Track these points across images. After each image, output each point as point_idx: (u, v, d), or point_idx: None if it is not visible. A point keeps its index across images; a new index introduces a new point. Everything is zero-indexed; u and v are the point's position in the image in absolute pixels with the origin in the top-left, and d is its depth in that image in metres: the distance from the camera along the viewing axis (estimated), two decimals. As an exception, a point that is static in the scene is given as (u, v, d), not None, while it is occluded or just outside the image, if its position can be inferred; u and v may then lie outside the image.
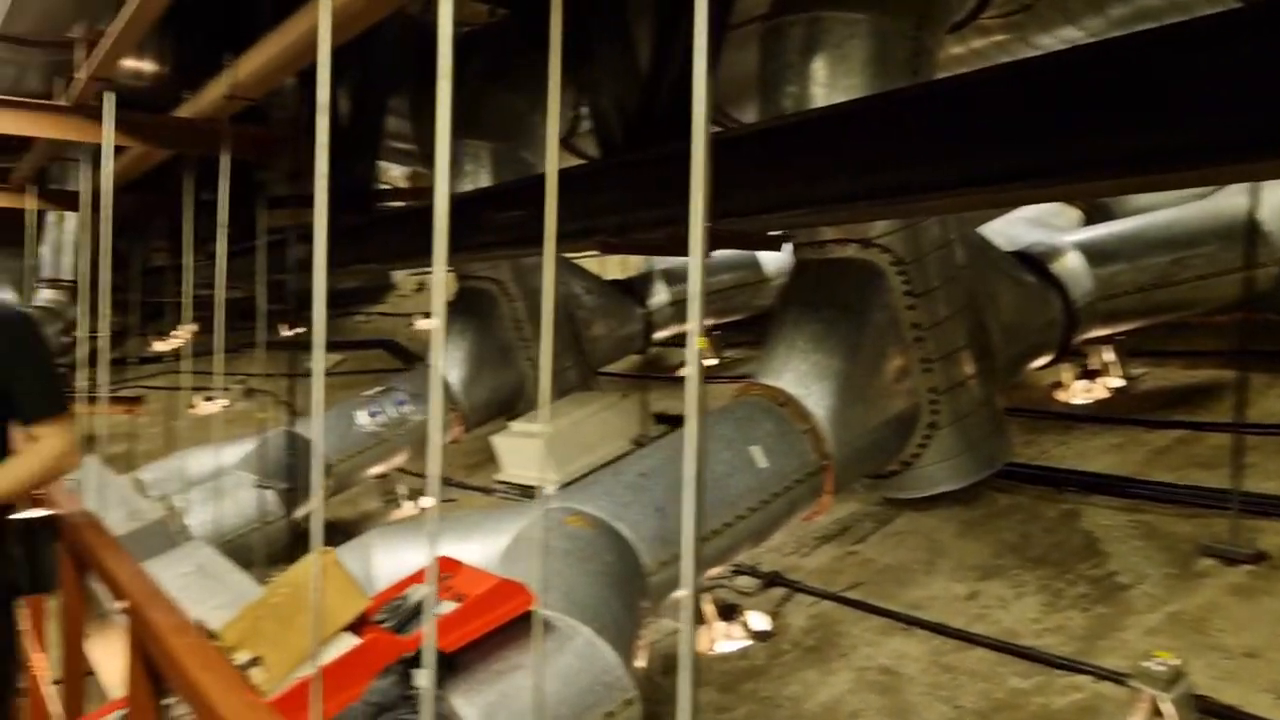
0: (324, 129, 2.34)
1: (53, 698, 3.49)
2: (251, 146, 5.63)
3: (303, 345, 8.49)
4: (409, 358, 10.90)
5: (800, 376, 4.86)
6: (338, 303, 12.52)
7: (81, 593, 3.38)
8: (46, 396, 2.24)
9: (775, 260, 8.59)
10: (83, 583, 3.35)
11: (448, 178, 1.98)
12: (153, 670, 2.24)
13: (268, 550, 6.24)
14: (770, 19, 4.90)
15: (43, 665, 3.76)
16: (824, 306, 5.01)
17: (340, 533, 8.08)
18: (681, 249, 5.03)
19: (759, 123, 4.97)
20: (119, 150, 5.48)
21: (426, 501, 7.96)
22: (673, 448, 4.78)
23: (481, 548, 4.35)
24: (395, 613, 3.44)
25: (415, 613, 3.40)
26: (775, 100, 4.87)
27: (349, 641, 3.20)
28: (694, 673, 2.24)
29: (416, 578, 3.65)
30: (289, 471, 6.36)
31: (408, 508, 7.86)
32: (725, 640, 4.80)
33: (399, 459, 7.89)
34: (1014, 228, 6.33)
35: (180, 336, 11.64)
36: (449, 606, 3.41)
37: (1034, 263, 5.91)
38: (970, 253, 5.27)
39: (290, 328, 9.66)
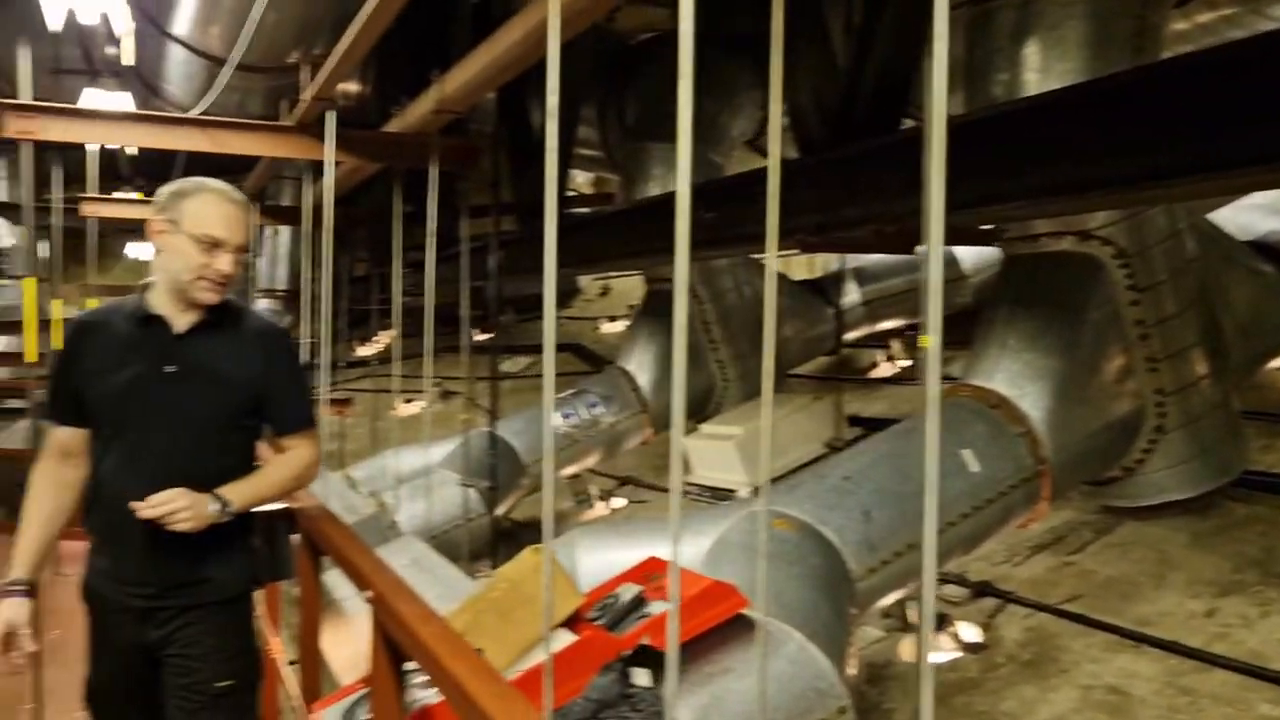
0: (553, 133, 2.38)
1: (289, 678, 3.71)
2: (457, 158, 5.84)
3: (502, 348, 8.80)
4: (595, 360, 11.11)
5: (1013, 377, 4.64)
6: (526, 307, 12.88)
7: (317, 581, 3.59)
8: (299, 410, 2.32)
9: (972, 256, 8.26)
10: (317, 572, 3.56)
11: (689, 178, 1.95)
12: (396, 655, 2.34)
13: (471, 546, 6.47)
14: (978, 3, 4.70)
15: (279, 647, 4.01)
16: (1038, 303, 4.76)
17: (535, 531, 8.31)
18: (887, 245, 4.93)
19: (968, 113, 4.77)
20: (326, 166, 5.78)
21: (617, 502, 8.09)
22: (877, 450, 4.66)
23: (685, 549, 4.35)
24: (608, 610, 3.47)
25: (628, 611, 3.43)
26: (983, 89, 4.67)
27: (566, 638, 3.26)
28: (931, 682, 2.14)
29: (627, 576, 3.68)
30: (490, 471, 6.58)
31: (599, 507, 8.00)
32: (934, 651, 4.63)
33: (591, 459, 8.04)
34: (1247, 215, 5.84)
35: (381, 341, 12.30)
36: (660, 606, 3.42)
37: (1274, 253, 5.43)
38: (1201, 243, 4.89)
39: (483, 332, 10.03)
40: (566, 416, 7.72)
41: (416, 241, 7.36)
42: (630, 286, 11.61)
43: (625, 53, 8.73)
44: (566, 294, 13.40)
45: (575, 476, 8.23)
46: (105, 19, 6.08)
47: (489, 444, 6.66)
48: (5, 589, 2.11)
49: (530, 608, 3.38)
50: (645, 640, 3.05)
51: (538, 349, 12.29)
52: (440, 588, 4.53)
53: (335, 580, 4.02)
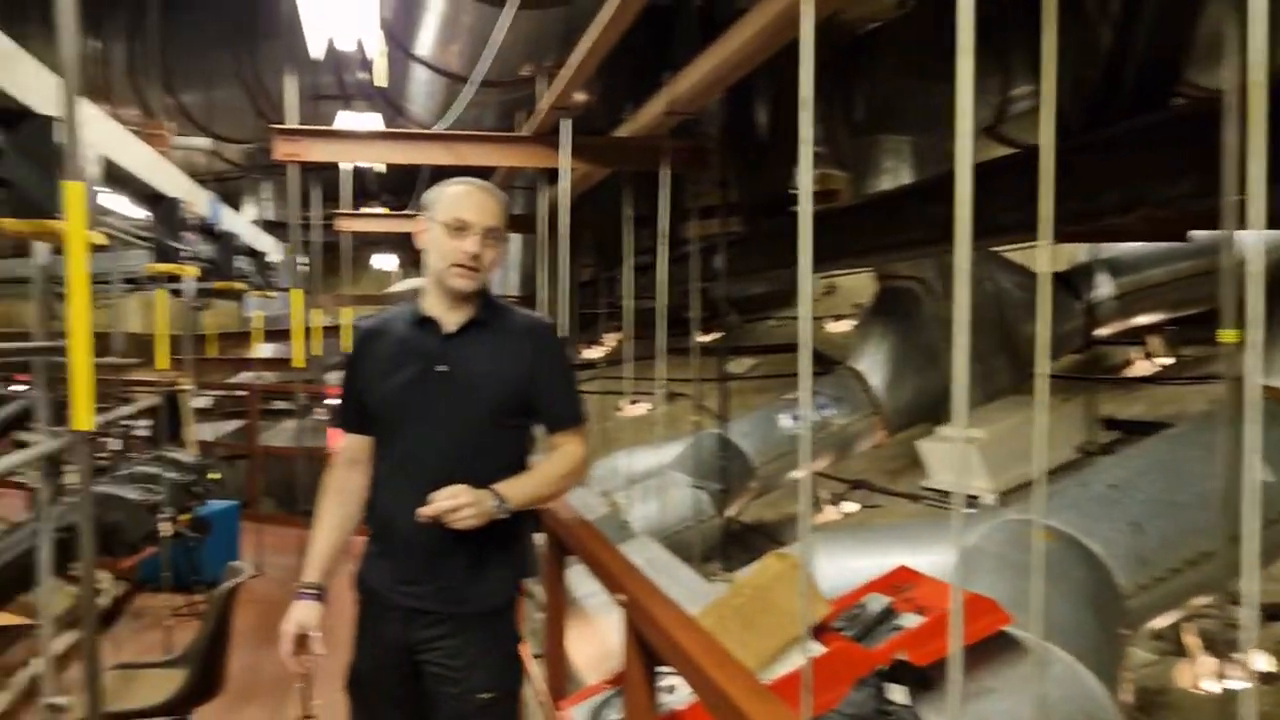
0: (807, 123, 2.28)
1: (536, 676, 3.80)
2: (686, 160, 5.84)
3: (729, 349, 8.77)
4: (822, 361, 10.91)
5: (1313, 375, 4.13)
6: (748, 308, 12.80)
7: (562, 579, 3.66)
8: (568, 406, 2.27)
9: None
10: (562, 570, 3.63)
11: (970, 160, 1.80)
12: (650, 659, 2.32)
13: (702, 547, 6.47)
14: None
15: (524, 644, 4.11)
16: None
17: (763, 535, 8.22)
18: (1157, 232, 4.51)
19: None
20: (557, 174, 5.91)
21: (849, 506, 7.87)
22: (1147, 457, 4.27)
23: (934, 558, 4.14)
24: (855, 621, 3.34)
25: (877, 623, 3.28)
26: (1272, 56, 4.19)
27: (814, 648, 3.16)
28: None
29: (874, 586, 3.54)
30: (721, 473, 6.55)
31: (830, 511, 7.83)
32: (1216, 679, 4.19)
33: (821, 462, 7.87)
34: None
35: (607, 344, 12.57)
36: (913, 619, 3.26)
37: None
38: None
39: (706, 333, 10.04)
40: (796, 419, 7.58)
41: (641, 245, 7.44)
42: (857, 285, 11.29)
43: (852, 45, 8.49)
44: (789, 293, 13.21)
45: (805, 479, 8.07)
46: (359, 45, 6.49)
47: (719, 446, 6.63)
48: (298, 591, 2.22)
49: (775, 615, 3.30)
50: (901, 655, 2.91)
51: (763, 350, 12.19)
52: (679, 590, 4.51)
53: (574, 578, 4.09)
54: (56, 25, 2.45)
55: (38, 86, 2.75)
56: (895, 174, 7.56)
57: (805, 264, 2.30)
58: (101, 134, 3.49)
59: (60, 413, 3.04)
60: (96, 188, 3.09)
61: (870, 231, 6.73)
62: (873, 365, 7.82)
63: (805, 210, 2.30)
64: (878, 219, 6.68)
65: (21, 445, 4.36)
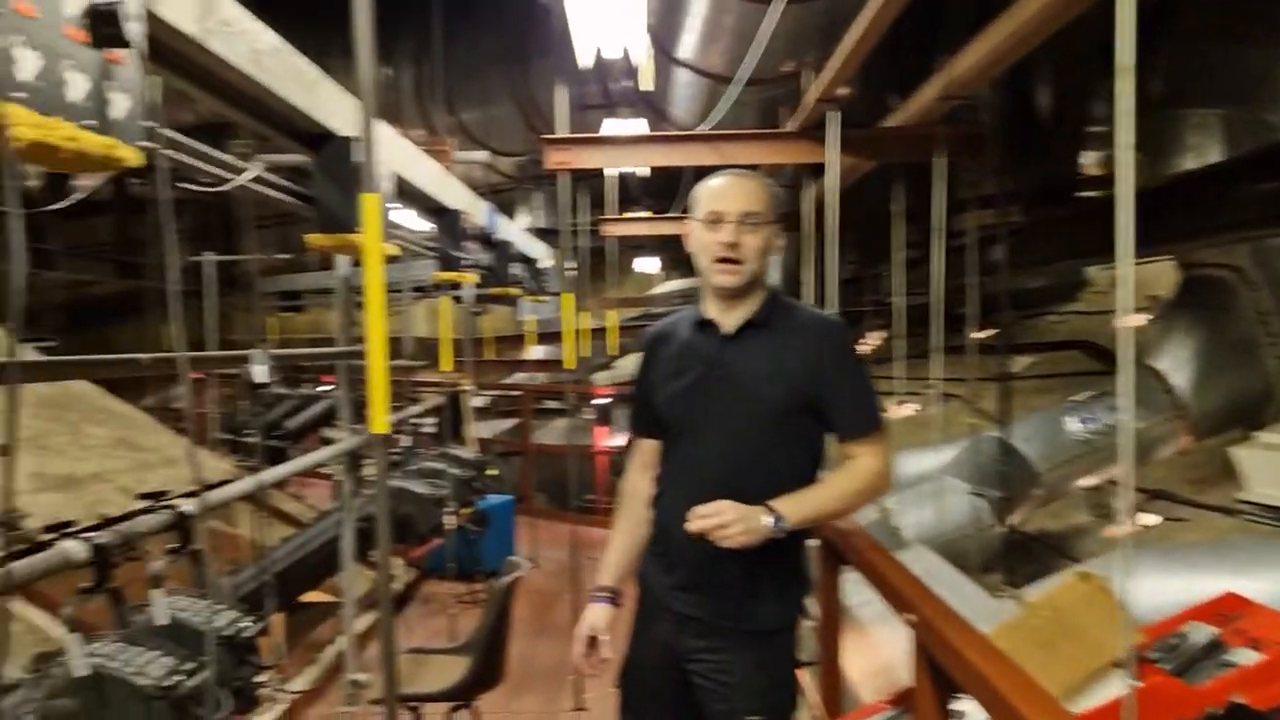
0: (1127, 93, 2.03)
1: (809, 689, 3.67)
2: (962, 147, 5.49)
3: (1008, 348, 8.23)
4: (1111, 359, 10.02)
5: None
6: (1024, 303, 11.99)
7: (836, 590, 3.51)
8: (859, 411, 2.07)
9: None
10: (837, 580, 3.47)
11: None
12: (942, 684, 2.15)
13: (981, 558, 6.07)
14: None
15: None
16: None
17: (1048, 546, 7.65)
18: None
19: None
20: (822, 169, 5.72)
21: (1147, 519, 7.16)
22: None
23: (1262, 584, 3.65)
24: (1173, 653, 2.97)
25: (1202, 656, 2.91)
26: None
27: (1125, 681, 2.84)
28: None
29: (1195, 614, 3.14)
30: (1001, 479, 6.12)
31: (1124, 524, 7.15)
32: None
33: (1114, 470, 7.20)
34: None
35: (871, 342, 12.18)
36: (1247, 655, 2.86)
37: None
38: None
39: (980, 329, 9.46)
40: (1085, 422, 6.97)
41: (907, 239, 7.11)
42: (1148, 275, 10.30)
43: (1147, 12, 7.73)
44: (1072, 287, 12.25)
45: (1095, 489, 7.42)
46: (624, 52, 6.61)
47: (999, 450, 6.20)
48: (591, 594, 2.23)
49: (1078, 641, 3.00)
50: (1237, 698, 2.54)
51: (1044, 347, 11.40)
52: (962, 605, 4.22)
53: (844, 584, 3.93)
54: (355, 55, 2.60)
55: (339, 110, 2.93)
56: (1200, 152, 6.78)
57: (1126, 245, 2.06)
58: (393, 152, 3.71)
59: (360, 411, 3.24)
60: (389, 203, 3.28)
61: (1174, 216, 6.07)
62: (1175, 363, 7.05)
63: (1125, 192, 2.05)
64: (1182, 202, 6.02)
65: (328, 441, 4.74)
